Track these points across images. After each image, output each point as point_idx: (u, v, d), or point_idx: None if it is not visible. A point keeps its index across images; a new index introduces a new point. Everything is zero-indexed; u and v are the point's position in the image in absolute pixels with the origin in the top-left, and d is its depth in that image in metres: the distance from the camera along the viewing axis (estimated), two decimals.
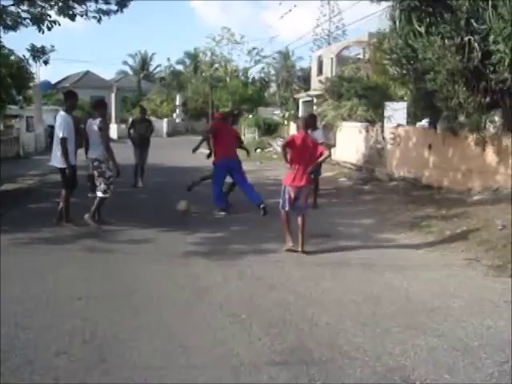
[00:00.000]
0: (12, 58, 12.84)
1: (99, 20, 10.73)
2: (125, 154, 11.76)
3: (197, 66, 53.62)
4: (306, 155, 6.96)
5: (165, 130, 45.82)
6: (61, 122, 7.98)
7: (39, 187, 13.01)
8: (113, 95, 45.12)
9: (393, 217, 9.39)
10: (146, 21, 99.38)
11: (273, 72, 50.65)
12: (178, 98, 50.26)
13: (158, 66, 62.58)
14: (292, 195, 7.00)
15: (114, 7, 10.58)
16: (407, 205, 10.36)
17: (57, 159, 8.16)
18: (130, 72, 61.99)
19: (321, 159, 7.15)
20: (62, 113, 8.18)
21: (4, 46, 12.88)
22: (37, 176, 15.00)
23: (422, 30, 9.03)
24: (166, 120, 46.66)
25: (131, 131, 13.49)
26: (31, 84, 13.93)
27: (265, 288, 5.43)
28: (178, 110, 50.06)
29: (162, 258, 6.59)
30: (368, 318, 4.60)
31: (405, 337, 4.19)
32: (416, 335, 4.22)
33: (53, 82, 55.01)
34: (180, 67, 57.29)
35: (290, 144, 7.06)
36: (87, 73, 55.21)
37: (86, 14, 10.63)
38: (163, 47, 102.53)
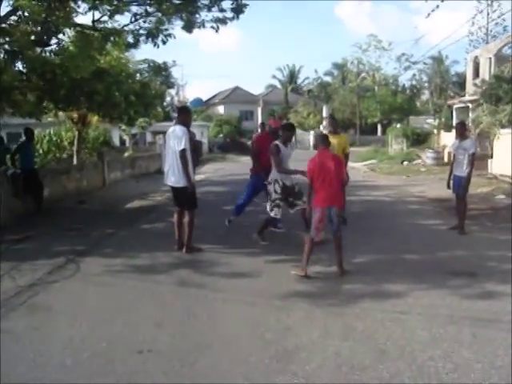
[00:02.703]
0: (138, 75, 12.88)
1: (217, 30, 10.06)
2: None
3: (344, 77, 52.50)
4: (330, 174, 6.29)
5: (311, 142, 45.15)
6: (182, 134, 7.30)
7: (164, 205, 12.70)
8: (259, 109, 45.68)
9: None
10: (295, 34, 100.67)
11: (425, 78, 47.81)
12: (324, 109, 49.47)
13: (306, 79, 62.64)
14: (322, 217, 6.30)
15: (229, 15, 9.84)
16: None
17: (174, 178, 7.45)
18: (279, 86, 62.60)
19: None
20: (178, 126, 7.51)
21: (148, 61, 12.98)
22: (167, 192, 14.81)
23: None
24: (312, 132, 45.99)
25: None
26: (156, 101, 13.88)
27: (374, 353, 4.04)
28: (324, 122, 49.18)
29: (257, 299, 5.45)
30: None
31: None
32: None
33: (204, 98, 57.56)
34: (328, 78, 56.61)
35: (310, 173, 6.44)
36: (236, 88, 56.68)
37: (203, 25, 10.04)
38: (312, 59, 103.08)
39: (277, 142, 7.98)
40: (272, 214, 7.85)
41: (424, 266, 6.64)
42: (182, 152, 7.20)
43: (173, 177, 7.44)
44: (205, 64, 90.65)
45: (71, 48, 9.55)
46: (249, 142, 41.63)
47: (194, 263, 6.96)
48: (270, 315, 4.98)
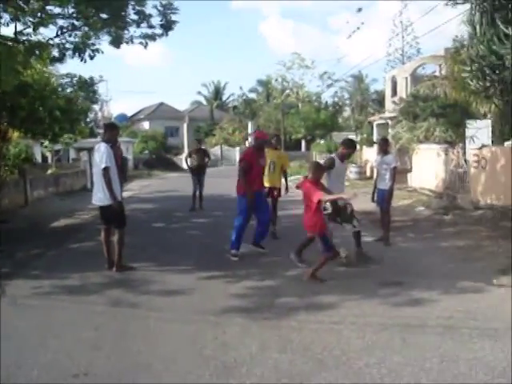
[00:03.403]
0: (61, 90, 12.55)
1: (145, 46, 10.04)
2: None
3: (269, 93, 53.27)
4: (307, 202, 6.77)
5: (237, 158, 45.44)
6: (103, 151, 7.18)
7: (92, 223, 12.37)
8: (185, 125, 45.46)
9: (480, 256, 7.85)
10: (220, 51, 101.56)
11: (346, 96, 49.48)
12: (250, 125, 49.98)
13: (231, 95, 62.98)
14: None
15: (158, 31, 9.84)
16: (497, 240, 8.81)
17: (100, 196, 7.33)
18: (204, 102, 62.69)
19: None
20: (102, 143, 7.40)
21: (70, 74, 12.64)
22: (94, 210, 14.46)
23: (510, 31, 7.54)
24: (238, 148, 46.31)
25: (188, 161, 14.63)
26: (81, 117, 13.52)
27: (311, 364, 4.15)
28: (250, 138, 49.67)
29: (193, 316, 5.45)
30: None
31: None
32: None
33: (129, 114, 56.63)
34: (253, 95, 57.26)
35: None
36: (161, 104, 56.23)
37: (132, 41, 9.97)
38: (236, 76, 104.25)
39: (333, 155, 7.86)
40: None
41: (354, 277, 6.87)
42: (104, 170, 7.10)
43: (99, 194, 7.35)
44: (130, 79, 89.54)
45: None
46: (175, 158, 41.38)
47: (127, 282, 6.85)
48: (206, 332, 4.98)
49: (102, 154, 7.17)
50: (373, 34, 62.76)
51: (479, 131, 13.00)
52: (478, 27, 8.46)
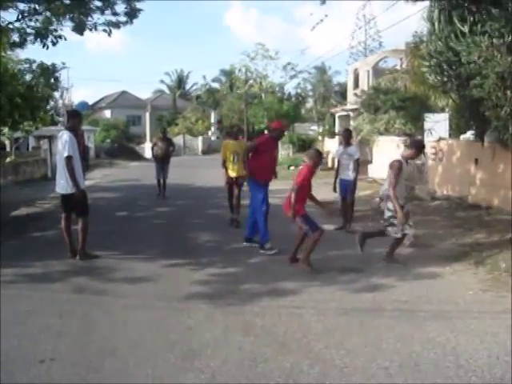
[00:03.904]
0: (27, 77, 12.28)
1: (109, 33, 9.96)
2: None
3: (232, 83, 53.15)
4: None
5: (200, 147, 45.38)
6: (66, 140, 7.14)
7: (54, 212, 12.24)
8: (147, 114, 45.00)
9: (435, 244, 8.19)
10: (183, 39, 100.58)
11: (309, 87, 49.78)
12: (213, 115, 49.85)
13: (194, 84, 62.53)
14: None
15: (123, 19, 9.77)
16: (452, 229, 9.17)
17: (63, 184, 7.32)
18: (167, 91, 62.11)
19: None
20: (65, 131, 7.37)
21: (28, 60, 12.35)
22: (55, 199, 14.29)
23: (466, 29, 7.84)
24: (201, 138, 46.18)
25: (154, 149, 14.97)
26: (42, 104, 13.25)
27: (274, 347, 4.32)
28: (213, 128, 49.58)
29: (157, 302, 5.55)
30: None
31: None
32: None
33: (90, 102, 55.55)
34: (216, 85, 57.00)
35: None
36: (123, 92, 55.42)
37: (95, 28, 9.87)
38: (200, 65, 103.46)
39: (400, 158, 7.17)
40: (393, 235, 7.07)
41: (315, 264, 7.05)
42: (67, 159, 7.09)
43: (62, 182, 7.35)
44: (91, 66, 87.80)
45: None
46: (138, 147, 40.93)
47: (92, 270, 6.88)
48: (171, 317, 5.10)
49: (64, 142, 7.15)
50: (336, 27, 63.28)
51: (437, 124, 13.40)
52: (436, 24, 8.75)
